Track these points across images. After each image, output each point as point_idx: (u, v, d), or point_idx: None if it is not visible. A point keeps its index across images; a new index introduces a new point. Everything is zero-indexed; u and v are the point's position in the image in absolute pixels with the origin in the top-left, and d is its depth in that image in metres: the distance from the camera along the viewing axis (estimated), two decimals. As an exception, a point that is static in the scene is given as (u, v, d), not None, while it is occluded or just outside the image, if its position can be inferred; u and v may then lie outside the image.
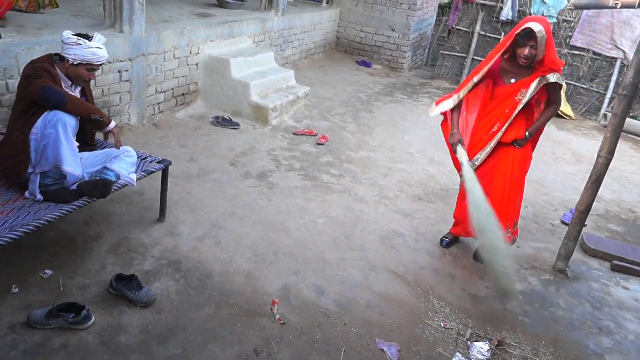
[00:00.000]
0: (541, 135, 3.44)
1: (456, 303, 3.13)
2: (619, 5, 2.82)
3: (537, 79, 3.08)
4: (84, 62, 2.76)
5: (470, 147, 3.38)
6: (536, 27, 2.90)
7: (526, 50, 2.99)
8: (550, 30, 2.97)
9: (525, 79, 3.12)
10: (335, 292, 3.05)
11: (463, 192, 3.43)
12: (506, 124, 3.21)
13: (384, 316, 2.92)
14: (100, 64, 2.86)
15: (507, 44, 3.08)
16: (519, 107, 3.15)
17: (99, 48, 2.79)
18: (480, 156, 3.33)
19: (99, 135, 3.21)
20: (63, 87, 2.79)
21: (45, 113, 2.67)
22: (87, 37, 2.77)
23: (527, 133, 3.23)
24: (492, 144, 3.28)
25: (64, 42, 2.73)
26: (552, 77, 3.07)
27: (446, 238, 3.73)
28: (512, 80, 3.16)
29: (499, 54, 3.15)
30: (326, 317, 2.83)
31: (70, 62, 2.75)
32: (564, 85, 3.20)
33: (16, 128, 2.71)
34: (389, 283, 3.22)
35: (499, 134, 3.23)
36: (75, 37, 2.73)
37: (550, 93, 3.21)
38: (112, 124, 2.91)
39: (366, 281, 3.19)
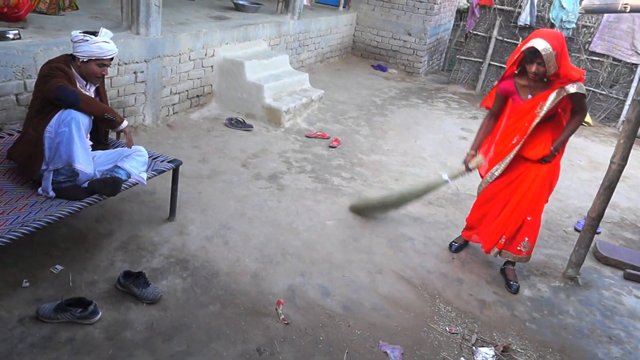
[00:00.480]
0: (564, 148, 3.33)
1: (463, 308, 3.11)
2: (628, 9, 2.77)
3: (556, 91, 2.99)
4: (93, 58, 2.81)
5: (492, 160, 3.36)
6: (541, 45, 2.83)
7: (533, 67, 2.92)
8: (562, 45, 2.89)
9: (543, 92, 3.03)
10: (341, 294, 3.05)
11: (481, 199, 3.42)
12: (525, 136, 3.12)
13: (389, 319, 2.91)
14: (110, 59, 2.89)
15: (515, 59, 3.04)
16: (537, 119, 3.06)
17: (106, 42, 2.83)
18: (500, 167, 3.27)
19: (112, 135, 3.27)
20: (78, 86, 2.86)
21: (59, 112, 2.74)
22: (94, 34, 2.83)
23: (552, 148, 3.15)
24: (511, 156, 3.20)
25: (73, 40, 2.81)
26: (572, 88, 2.97)
27: (455, 243, 3.70)
28: (529, 97, 3.09)
29: (509, 68, 3.13)
30: (331, 319, 2.83)
31: (80, 60, 2.82)
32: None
33: (31, 126, 2.78)
34: (395, 286, 3.21)
35: (518, 146, 3.16)
36: (82, 34, 2.80)
37: (573, 103, 3.11)
38: (125, 123, 2.96)
39: (372, 284, 3.19)
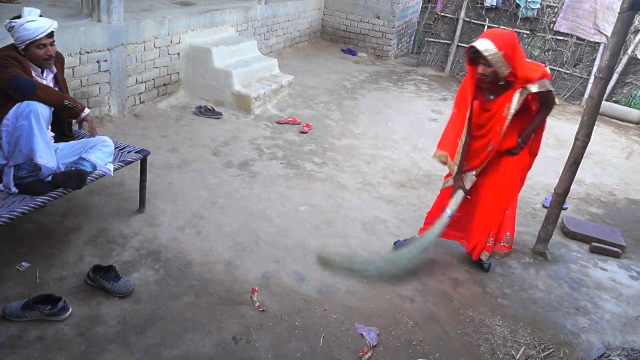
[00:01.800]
0: (539, 138, 3.29)
1: (436, 287, 3.16)
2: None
3: (519, 91, 2.90)
4: (28, 42, 2.68)
5: (470, 162, 3.23)
6: (482, 45, 2.76)
7: (479, 69, 2.85)
8: (510, 45, 2.79)
9: (506, 92, 2.94)
10: (316, 279, 3.06)
11: (443, 195, 3.34)
12: (499, 140, 3.05)
13: (364, 302, 2.94)
14: (47, 36, 2.73)
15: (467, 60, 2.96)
16: (507, 122, 2.98)
17: (31, 22, 2.68)
18: (479, 168, 3.20)
19: (76, 126, 3.18)
20: (33, 75, 2.75)
21: (17, 104, 2.63)
22: (19, 17, 2.70)
23: (519, 140, 3.08)
24: (489, 158, 3.15)
25: (7, 30, 2.70)
26: (534, 87, 2.88)
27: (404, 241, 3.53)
28: (491, 97, 3.01)
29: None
30: (306, 304, 2.84)
31: (21, 49, 2.70)
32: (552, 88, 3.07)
33: None
34: (370, 269, 3.23)
35: (494, 152, 3.11)
36: (8, 21, 2.68)
37: (540, 97, 3.03)
38: (86, 111, 2.86)
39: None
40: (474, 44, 2.80)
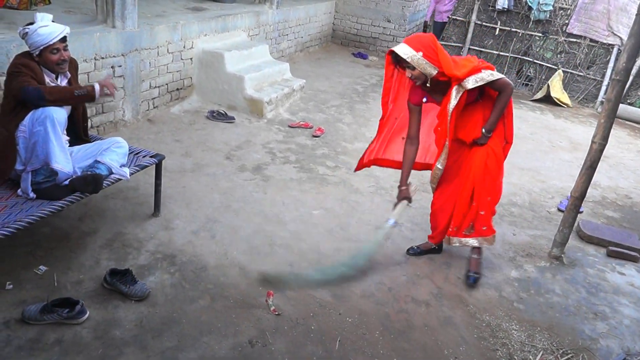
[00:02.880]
0: (510, 124, 3.14)
1: (452, 291, 3.14)
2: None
3: (455, 88, 2.88)
4: (42, 47, 2.69)
5: (429, 154, 3.37)
6: (400, 49, 2.80)
7: (406, 72, 2.88)
8: (428, 45, 2.79)
9: (448, 92, 2.93)
10: (331, 282, 3.05)
11: (437, 195, 3.34)
12: (450, 134, 3.03)
13: (380, 305, 2.93)
14: (59, 41, 2.73)
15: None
16: (447, 120, 2.96)
17: (44, 27, 2.69)
18: (441, 159, 3.16)
19: (92, 131, 3.20)
20: (46, 80, 2.77)
21: (33, 111, 2.66)
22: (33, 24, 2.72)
23: (483, 130, 3.02)
24: (446, 149, 3.10)
25: (20, 37, 2.72)
26: (469, 84, 2.84)
27: (417, 247, 3.52)
28: (440, 99, 3.02)
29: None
30: (321, 308, 2.83)
31: (35, 55, 2.72)
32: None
33: (2, 125, 2.70)
34: (385, 272, 3.22)
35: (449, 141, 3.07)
36: (22, 28, 2.71)
37: (492, 87, 2.97)
38: (97, 86, 2.79)
39: (361, 271, 3.19)
40: (393, 48, 2.85)
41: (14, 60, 2.73)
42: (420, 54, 2.79)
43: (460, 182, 3.17)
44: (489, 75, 2.89)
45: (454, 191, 3.22)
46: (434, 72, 2.84)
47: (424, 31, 9.43)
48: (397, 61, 2.95)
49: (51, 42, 2.70)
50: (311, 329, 2.67)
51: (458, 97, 2.91)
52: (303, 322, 2.71)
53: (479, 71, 2.88)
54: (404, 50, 2.81)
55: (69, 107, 2.90)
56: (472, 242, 3.22)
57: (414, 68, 2.84)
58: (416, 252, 3.47)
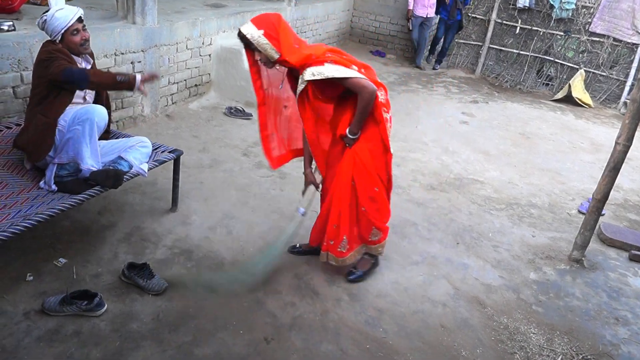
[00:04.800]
0: (385, 133, 2.77)
1: (469, 292, 3.10)
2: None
3: (300, 77, 2.64)
4: (62, 31, 2.72)
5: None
6: (245, 29, 2.55)
7: (255, 55, 2.62)
8: (271, 25, 2.55)
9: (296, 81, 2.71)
10: (347, 281, 3.04)
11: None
12: (308, 124, 2.79)
13: (395, 305, 2.90)
14: (77, 21, 2.75)
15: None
16: (298, 109, 2.78)
17: (60, 10, 2.72)
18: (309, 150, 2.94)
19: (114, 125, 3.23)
20: (77, 64, 2.81)
21: (78, 109, 2.72)
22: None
23: (347, 131, 2.72)
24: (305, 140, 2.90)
25: (40, 28, 2.76)
26: (307, 75, 2.58)
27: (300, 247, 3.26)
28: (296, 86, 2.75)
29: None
30: (337, 306, 2.82)
31: (57, 41, 2.75)
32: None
33: (39, 112, 2.72)
34: (401, 272, 3.20)
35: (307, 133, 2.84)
36: (40, 18, 2.75)
37: (343, 85, 2.65)
38: (138, 77, 2.78)
39: (378, 270, 3.17)
40: (240, 27, 2.59)
41: (43, 47, 2.76)
42: (262, 31, 2.52)
43: (332, 187, 2.89)
44: (333, 70, 2.56)
45: (329, 197, 2.92)
46: (276, 56, 2.57)
47: (408, 21, 8.59)
48: (246, 43, 2.61)
49: (70, 24, 2.73)
50: (327, 327, 2.66)
51: (301, 88, 2.65)
52: (319, 320, 2.70)
53: (321, 63, 2.57)
54: (248, 29, 2.55)
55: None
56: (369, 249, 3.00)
57: (259, 50, 2.57)
58: (299, 251, 3.23)
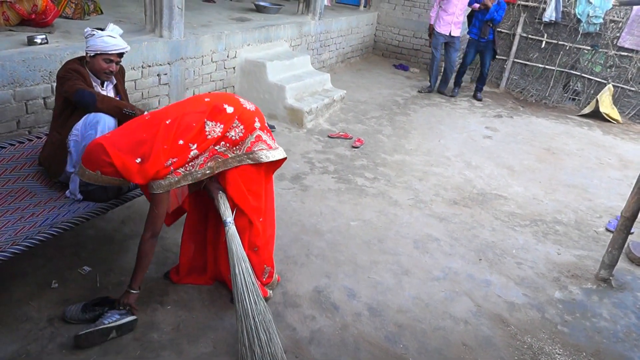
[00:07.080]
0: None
1: (492, 310, 3.04)
2: (667, 0, 2.66)
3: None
4: (99, 52, 2.81)
5: None
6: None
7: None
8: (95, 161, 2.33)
9: None
10: (367, 295, 3.01)
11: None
12: None
13: (417, 321, 2.86)
14: (117, 54, 2.87)
15: None
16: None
17: (111, 37, 2.82)
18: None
19: None
20: (93, 85, 2.88)
21: (86, 115, 2.77)
22: (103, 29, 2.86)
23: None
24: None
25: (84, 36, 2.85)
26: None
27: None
28: None
29: None
30: (357, 320, 2.80)
31: (89, 55, 2.84)
32: None
33: (55, 129, 2.83)
34: (422, 288, 3.15)
35: None
36: (91, 29, 2.84)
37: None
38: (146, 113, 2.81)
39: (398, 285, 3.14)
40: None
41: (65, 65, 2.85)
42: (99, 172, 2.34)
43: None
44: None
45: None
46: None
47: (430, 36, 7.59)
48: None
49: (110, 52, 2.83)
50: (346, 342, 2.63)
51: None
52: (338, 334, 2.68)
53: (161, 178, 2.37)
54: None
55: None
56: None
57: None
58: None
